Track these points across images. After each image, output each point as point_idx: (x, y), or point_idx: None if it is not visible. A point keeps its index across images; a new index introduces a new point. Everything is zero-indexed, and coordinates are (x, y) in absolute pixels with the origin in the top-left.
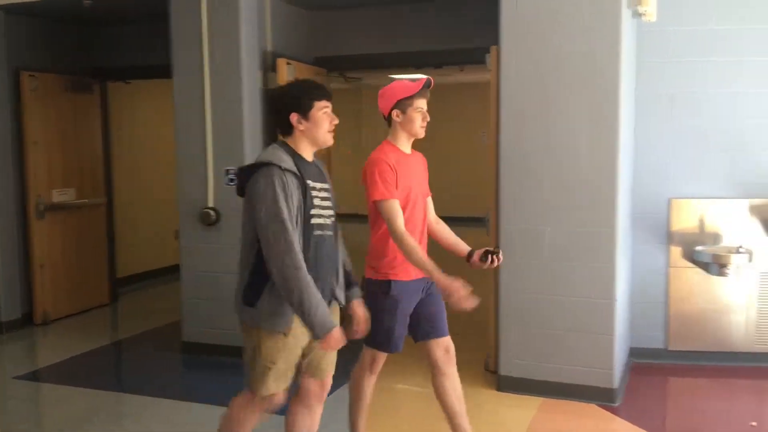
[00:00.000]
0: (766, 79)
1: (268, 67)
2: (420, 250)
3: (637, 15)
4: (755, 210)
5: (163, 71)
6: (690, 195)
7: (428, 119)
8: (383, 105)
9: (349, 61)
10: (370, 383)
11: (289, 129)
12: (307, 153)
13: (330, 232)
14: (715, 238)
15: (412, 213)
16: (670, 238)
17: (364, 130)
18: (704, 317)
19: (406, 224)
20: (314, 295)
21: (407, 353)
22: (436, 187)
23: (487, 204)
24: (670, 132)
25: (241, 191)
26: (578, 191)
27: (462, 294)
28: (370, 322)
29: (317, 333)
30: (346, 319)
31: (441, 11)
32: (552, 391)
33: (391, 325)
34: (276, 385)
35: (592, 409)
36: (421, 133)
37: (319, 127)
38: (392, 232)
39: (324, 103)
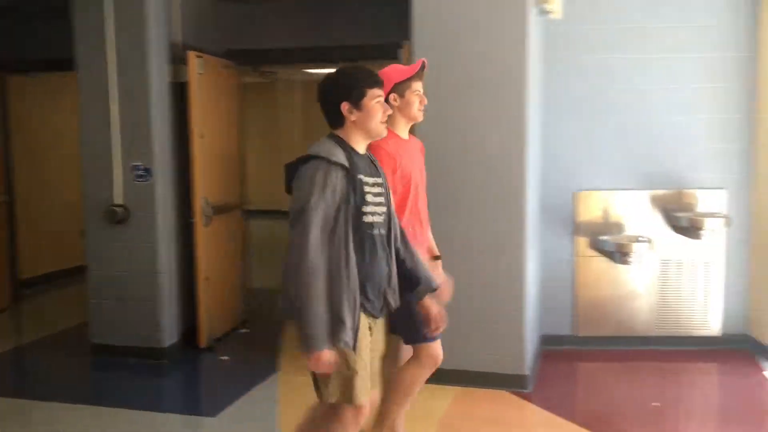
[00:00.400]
0: (671, 76)
1: (178, 59)
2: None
3: (543, 13)
4: (656, 200)
5: (68, 64)
6: (595, 187)
7: (426, 102)
8: None
9: (262, 55)
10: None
11: (339, 120)
12: (360, 145)
13: (384, 231)
14: (619, 227)
15: (415, 201)
16: (576, 228)
17: (280, 124)
18: (610, 303)
19: (409, 212)
20: (320, 306)
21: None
22: None
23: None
24: (577, 127)
25: (289, 188)
26: (489, 186)
27: None
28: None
29: (307, 346)
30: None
31: (355, 5)
32: (466, 380)
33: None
34: (364, 394)
35: (506, 396)
36: (420, 117)
37: (372, 118)
38: None
39: (377, 91)
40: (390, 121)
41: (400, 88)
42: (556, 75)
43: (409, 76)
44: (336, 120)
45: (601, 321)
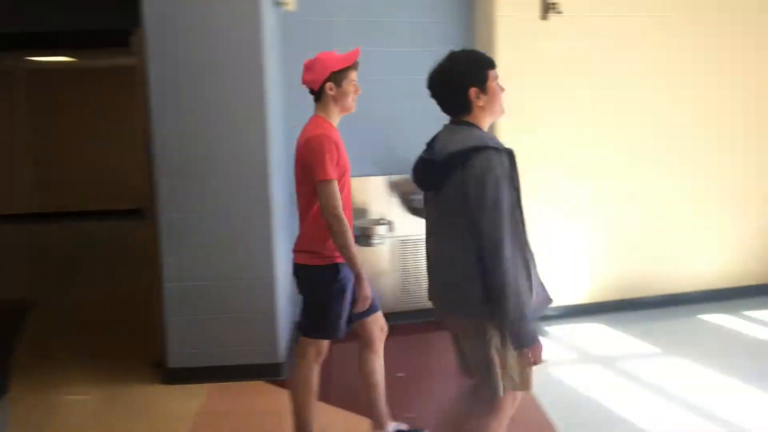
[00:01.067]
0: (399, 66)
1: None
2: (353, 241)
3: (277, 4)
4: (393, 185)
5: None
6: None
7: (360, 92)
8: (313, 77)
9: None
10: (317, 374)
11: (466, 107)
12: (488, 130)
13: None
14: (363, 212)
15: (349, 195)
16: None
17: None
18: None
19: (342, 207)
20: (529, 299)
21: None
22: (84, 181)
23: (143, 195)
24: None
25: (431, 185)
26: (234, 177)
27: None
28: (313, 311)
29: (524, 343)
30: None
31: None
32: (222, 376)
33: (338, 311)
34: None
35: (261, 386)
36: (354, 107)
37: (497, 100)
38: (333, 216)
39: (495, 72)
40: (325, 111)
41: (337, 77)
42: (294, 66)
43: (348, 65)
44: (462, 107)
45: None
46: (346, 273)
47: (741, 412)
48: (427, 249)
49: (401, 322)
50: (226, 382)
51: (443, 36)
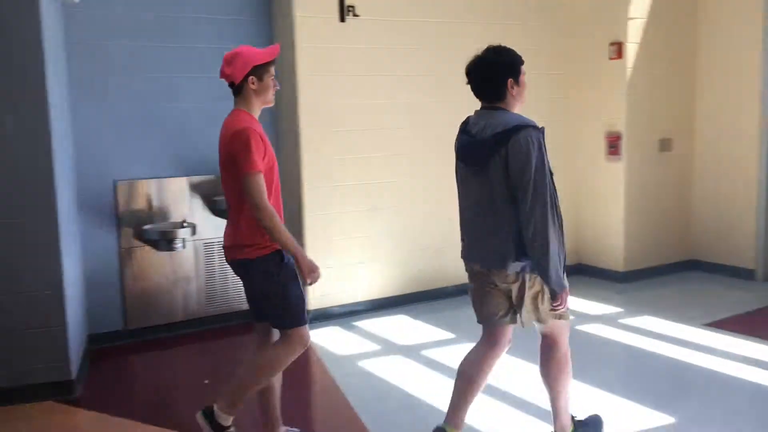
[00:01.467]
0: (196, 65)
1: None
2: (283, 227)
3: None
4: (195, 186)
5: None
6: (136, 176)
7: (278, 87)
8: (234, 71)
9: None
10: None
11: (502, 95)
12: None
13: None
14: (163, 215)
15: (278, 189)
16: (119, 219)
17: None
18: (160, 292)
19: (273, 199)
20: (563, 255)
21: None
22: None
23: None
24: (113, 117)
25: (476, 162)
26: (12, 182)
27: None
28: (279, 302)
29: (559, 286)
30: None
31: None
32: (4, 400)
33: (299, 292)
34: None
35: (51, 406)
36: (273, 101)
37: (524, 91)
38: (261, 209)
39: (524, 68)
40: (245, 104)
41: (259, 71)
42: (80, 63)
43: (270, 59)
44: (499, 95)
45: (152, 310)
46: (289, 256)
47: (530, 390)
48: (465, 218)
49: (207, 327)
50: (11, 405)
51: (244, 35)
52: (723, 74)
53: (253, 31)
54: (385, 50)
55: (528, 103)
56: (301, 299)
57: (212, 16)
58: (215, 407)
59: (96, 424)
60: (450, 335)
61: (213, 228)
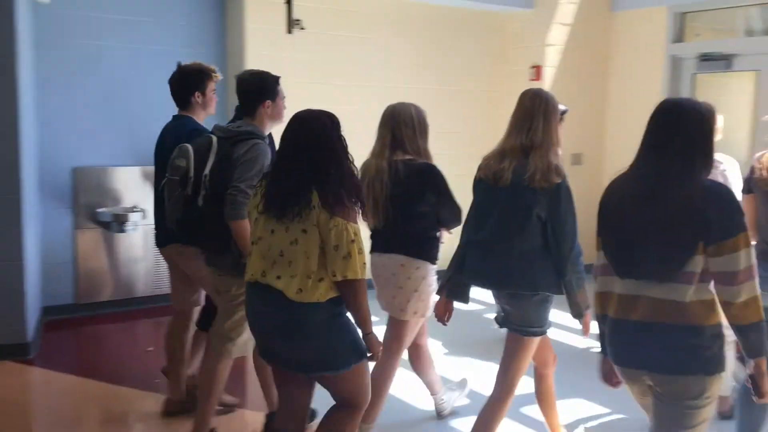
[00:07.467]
0: (154, 67)
1: None
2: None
3: None
4: (147, 175)
5: None
6: (92, 164)
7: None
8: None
9: None
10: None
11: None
12: None
13: None
14: (116, 200)
15: None
16: (76, 203)
17: None
18: (110, 270)
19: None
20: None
21: None
22: None
23: None
24: (73, 107)
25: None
26: None
27: None
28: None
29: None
30: None
31: None
32: None
33: None
34: None
35: (6, 365)
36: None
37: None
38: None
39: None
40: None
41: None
42: (48, 56)
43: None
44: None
45: (102, 288)
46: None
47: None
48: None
49: (153, 305)
50: None
51: (196, 39)
52: (631, 96)
53: (206, 39)
54: (327, 61)
55: (474, 119)
56: None
57: (170, 20)
58: None
59: (47, 379)
60: None
61: None
